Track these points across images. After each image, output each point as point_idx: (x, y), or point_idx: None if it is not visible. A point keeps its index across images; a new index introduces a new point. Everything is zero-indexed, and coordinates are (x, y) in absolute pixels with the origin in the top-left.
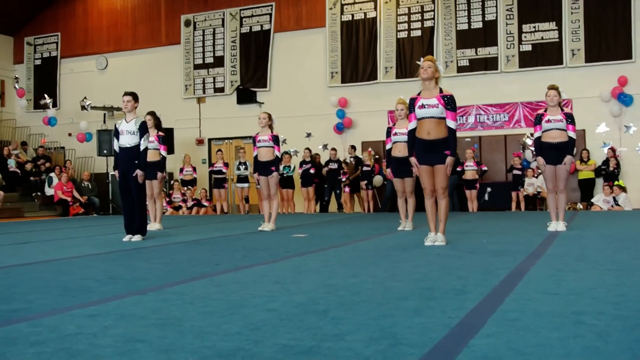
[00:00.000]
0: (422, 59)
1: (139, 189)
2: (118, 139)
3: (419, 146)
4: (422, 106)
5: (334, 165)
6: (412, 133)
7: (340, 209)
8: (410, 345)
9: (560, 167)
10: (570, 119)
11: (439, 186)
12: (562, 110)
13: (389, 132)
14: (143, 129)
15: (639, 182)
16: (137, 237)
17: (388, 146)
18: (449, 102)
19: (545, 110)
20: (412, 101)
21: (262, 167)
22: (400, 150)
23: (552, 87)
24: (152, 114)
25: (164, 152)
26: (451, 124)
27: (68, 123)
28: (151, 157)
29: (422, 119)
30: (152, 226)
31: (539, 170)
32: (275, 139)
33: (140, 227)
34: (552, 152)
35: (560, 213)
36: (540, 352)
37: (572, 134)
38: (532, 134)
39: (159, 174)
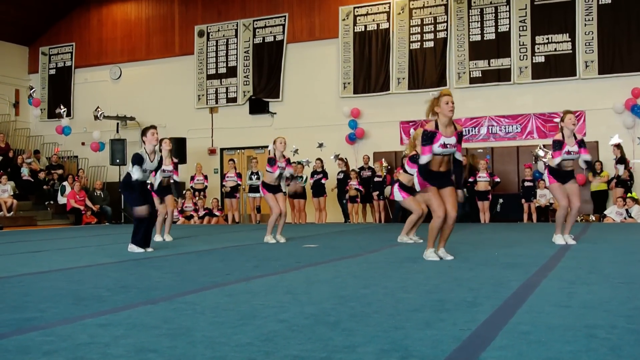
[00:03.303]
0: (434, 94)
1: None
2: (141, 168)
3: (430, 175)
4: (444, 145)
5: (340, 175)
6: (426, 166)
7: (347, 220)
8: (421, 358)
9: (571, 185)
10: (583, 145)
11: (451, 208)
12: (576, 138)
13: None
14: (160, 164)
15: None
16: (149, 249)
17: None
18: (460, 139)
19: (564, 138)
20: (431, 135)
21: (272, 188)
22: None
23: (569, 112)
24: (170, 140)
25: (176, 177)
26: (459, 156)
27: (81, 132)
28: (166, 182)
29: (439, 155)
30: (166, 237)
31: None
32: (288, 161)
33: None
34: (561, 176)
35: (568, 227)
36: None
37: (587, 158)
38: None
39: (173, 198)
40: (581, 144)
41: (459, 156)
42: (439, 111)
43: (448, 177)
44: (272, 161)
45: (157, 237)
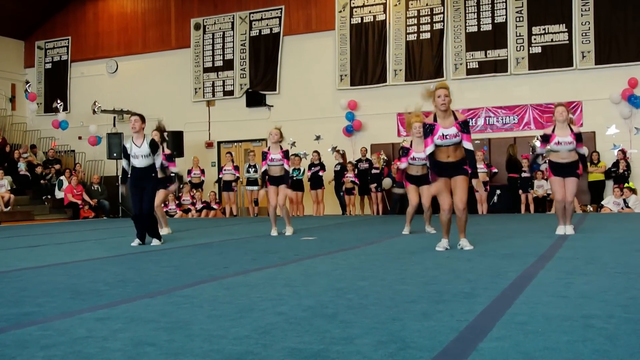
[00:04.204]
0: (432, 87)
1: (152, 201)
2: (129, 159)
3: (438, 166)
4: (443, 137)
5: (337, 168)
6: (431, 156)
7: (344, 212)
8: (419, 349)
9: (569, 179)
10: (580, 138)
11: (458, 200)
12: (572, 130)
13: (406, 153)
14: (154, 147)
15: None
16: (155, 242)
17: (402, 165)
18: (465, 127)
19: (554, 130)
20: (430, 128)
21: (274, 180)
22: (418, 171)
23: (560, 104)
24: (158, 129)
25: (174, 169)
26: (468, 145)
27: (78, 126)
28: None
29: (442, 146)
30: (162, 231)
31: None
32: (286, 154)
33: (155, 232)
34: (561, 169)
35: (568, 219)
36: (549, 356)
37: (582, 151)
38: (533, 148)
39: (171, 186)
40: (579, 137)
41: (467, 145)
42: (434, 104)
43: (459, 166)
44: (263, 155)
45: (163, 231)
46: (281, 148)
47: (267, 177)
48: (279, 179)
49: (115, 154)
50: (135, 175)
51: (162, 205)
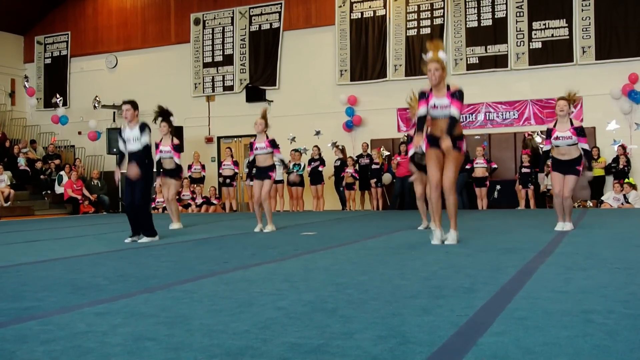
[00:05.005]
0: (428, 55)
1: (145, 193)
2: (125, 142)
3: (429, 139)
4: (435, 107)
5: (337, 163)
6: (422, 119)
7: (344, 208)
8: (418, 344)
9: (568, 176)
10: (581, 133)
11: (446, 177)
12: (572, 124)
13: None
14: (143, 127)
15: None
16: (144, 239)
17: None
18: (457, 95)
19: (555, 125)
20: (423, 94)
21: (260, 173)
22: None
23: (562, 98)
24: (167, 121)
25: (177, 160)
26: (454, 111)
27: (78, 122)
28: (167, 165)
29: (435, 117)
30: (173, 225)
31: (548, 169)
32: (273, 143)
33: (147, 228)
34: (560, 166)
35: (567, 215)
36: (549, 351)
37: (585, 146)
38: (541, 145)
39: (176, 181)
40: (579, 131)
41: (453, 111)
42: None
43: (453, 142)
44: (250, 146)
45: (173, 226)
46: (267, 137)
47: (253, 169)
48: (265, 171)
49: (115, 149)
50: (129, 162)
51: (176, 197)
